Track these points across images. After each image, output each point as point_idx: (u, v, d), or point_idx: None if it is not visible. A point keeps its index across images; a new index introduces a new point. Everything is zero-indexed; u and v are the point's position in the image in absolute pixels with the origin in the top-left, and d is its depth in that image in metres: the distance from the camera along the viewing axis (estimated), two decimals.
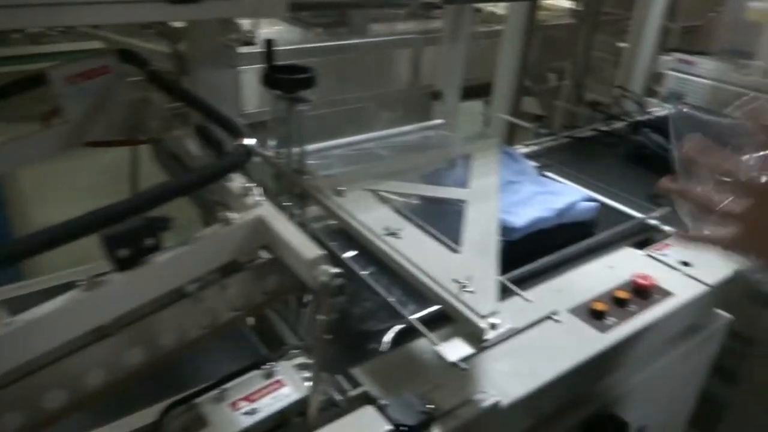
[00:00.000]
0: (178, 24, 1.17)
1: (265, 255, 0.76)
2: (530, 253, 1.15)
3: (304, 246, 0.65)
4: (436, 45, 2.02)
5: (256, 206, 0.72)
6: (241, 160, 0.66)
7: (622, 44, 2.42)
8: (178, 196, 0.61)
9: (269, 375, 0.79)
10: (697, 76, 2.17)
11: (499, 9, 2.89)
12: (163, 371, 0.73)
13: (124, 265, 0.60)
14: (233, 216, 0.70)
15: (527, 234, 1.16)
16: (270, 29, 2.93)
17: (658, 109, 2.15)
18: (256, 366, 0.80)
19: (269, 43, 1.09)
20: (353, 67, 2.95)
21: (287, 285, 0.78)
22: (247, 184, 0.74)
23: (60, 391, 0.63)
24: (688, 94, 2.18)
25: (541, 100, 3.57)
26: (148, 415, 0.76)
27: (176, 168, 0.92)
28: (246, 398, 0.75)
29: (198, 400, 0.76)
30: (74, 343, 0.63)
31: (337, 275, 0.61)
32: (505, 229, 1.12)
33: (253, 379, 0.78)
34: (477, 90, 2.39)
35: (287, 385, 0.77)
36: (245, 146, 0.66)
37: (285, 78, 1.09)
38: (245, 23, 1.08)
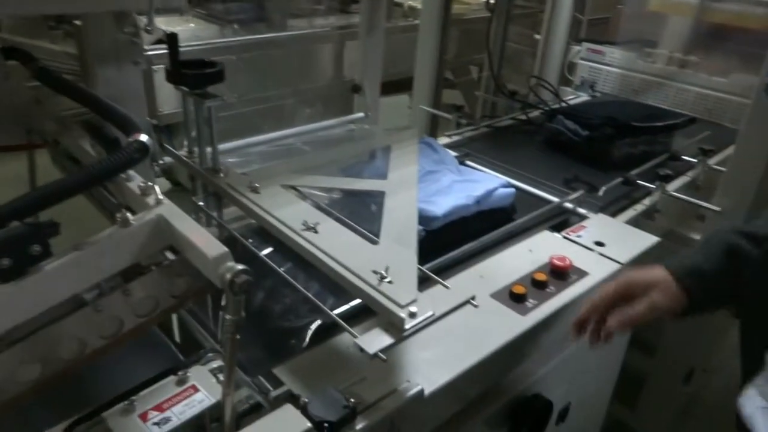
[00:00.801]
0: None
1: (171, 256, 0.72)
2: (452, 242, 1.16)
3: (207, 244, 0.62)
4: (356, 40, 2.01)
5: (157, 206, 0.68)
6: (135, 158, 0.62)
7: (537, 36, 2.49)
8: (60, 200, 0.57)
9: (183, 381, 0.75)
10: (607, 65, 2.26)
11: (419, 4, 2.91)
12: (70, 385, 0.68)
13: (5, 276, 0.56)
14: (132, 217, 0.66)
15: (448, 223, 1.17)
16: (185, 27, 2.83)
17: (572, 97, 2.23)
18: (169, 373, 0.77)
19: (171, 37, 1.05)
20: (275, 63, 2.90)
21: (197, 286, 0.74)
22: (147, 184, 0.70)
23: None
24: (599, 82, 2.27)
25: (464, 92, 3.65)
26: None
27: (75, 171, 0.87)
28: (157, 407, 0.71)
29: (105, 414, 0.71)
30: None
31: (242, 272, 0.59)
32: (425, 219, 1.13)
33: (165, 387, 0.75)
34: (405, 84, 2.41)
35: (201, 391, 0.74)
36: (140, 142, 0.62)
37: (190, 73, 1.05)
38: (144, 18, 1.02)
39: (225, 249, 0.61)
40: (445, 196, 1.21)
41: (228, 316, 0.61)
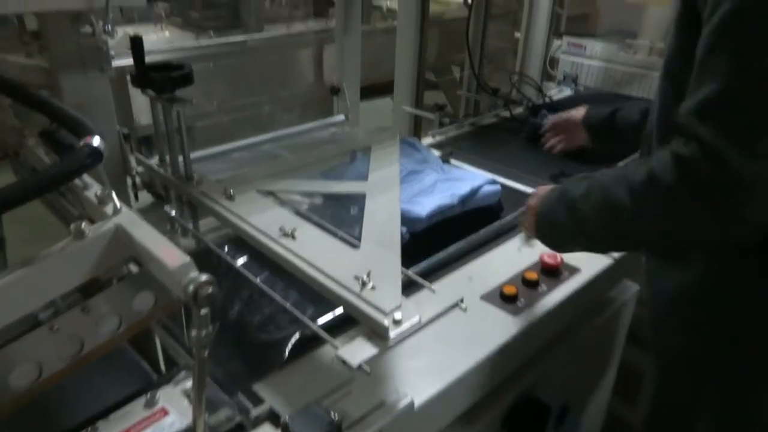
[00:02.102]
0: None
1: (134, 268, 0.67)
2: (437, 243, 1.11)
3: (168, 254, 0.57)
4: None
5: (115, 215, 0.63)
6: (86, 163, 0.56)
7: (518, 34, 2.46)
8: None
9: (152, 403, 0.70)
10: (588, 58, 2.24)
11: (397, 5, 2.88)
12: (30, 409, 0.63)
13: None
14: (88, 228, 0.61)
15: (433, 224, 1.13)
16: (160, 35, 2.78)
17: (556, 92, 2.20)
18: (137, 394, 0.71)
19: (136, 40, 1.00)
20: (253, 69, 2.86)
21: (166, 300, 0.69)
22: (104, 192, 0.65)
23: None
24: (581, 76, 2.24)
25: (447, 93, 3.62)
26: None
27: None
28: None
29: None
30: None
31: (206, 283, 0.54)
32: (409, 220, 1.08)
33: (133, 410, 0.69)
34: (388, 87, 2.36)
35: (171, 413, 0.68)
36: (91, 147, 0.57)
37: (156, 76, 1.00)
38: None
39: (188, 259, 0.56)
40: (429, 196, 1.17)
41: (194, 332, 0.56)
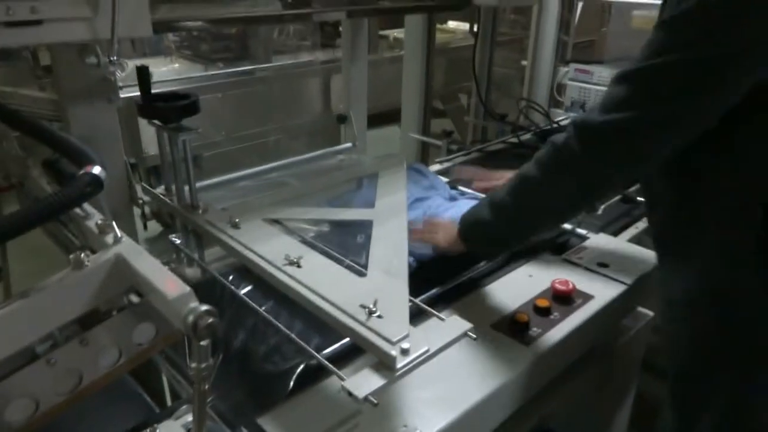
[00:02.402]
0: None
1: (135, 299, 0.65)
2: (447, 270, 1.09)
3: (168, 284, 0.56)
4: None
5: (116, 244, 0.62)
6: (86, 191, 0.55)
7: (524, 61, 2.48)
8: None
9: None
10: (596, 84, 2.23)
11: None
12: None
13: None
14: (87, 258, 0.60)
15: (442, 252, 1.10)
16: (169, 67, 2.82)
17: (563, 118, 2.19)
18: (137, 429, 0.69)
19: (142, 70, 1.00)
20: (262, 100, 2.88)
21: (167, 332, 0.67)
22: (105, 221, 0.64)
23: None
24: (589, 101, 2.24)
25: (454, 120, 3.63)
26: None
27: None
28: None
29: None
30: None
31: (206, 313, 0.52)
32: (418, 250, 1.06)
33: None
34: (396, 115, 2.38)
35: None
36: (90, 175, 0.56)
37: (161, 106, 1.00)
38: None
39: (187, 289, 0.55)
40: None
41: (194, 364, 0.54)
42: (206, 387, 0.55)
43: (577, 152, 0.88)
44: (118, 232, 0.63)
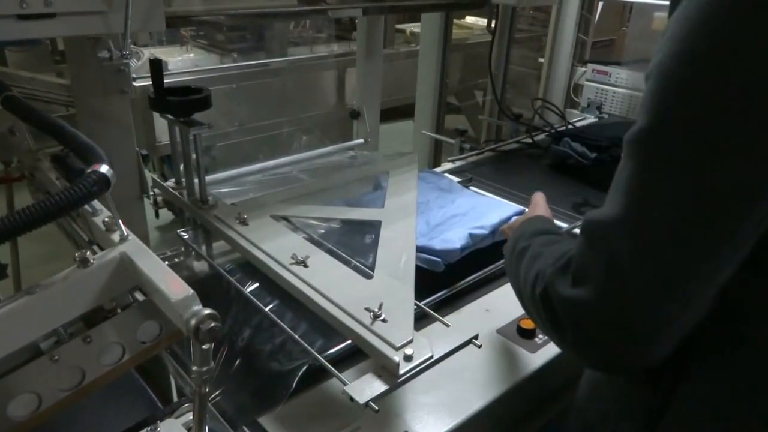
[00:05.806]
0: None
1: (140, 297, 0.65)
2: (454, 274, 1.08)
3: (171, 285, 0.55)
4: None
5: (122, 242, 0.62)
6: (93, 190, 0.55)
7: (541, 59, 2.45)
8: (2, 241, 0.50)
9: None
10: (613, 85, 2.20)
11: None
12: None
13: None
14: (93, 256, 0.60)
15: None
16: (184, 57, 2.82)
17: (579, 119, 2.17)
18: (139, 426, 0.69)
19: (155, 63, 1.00)
20: (275, 91, 2.88)
21: (171, 330, 0.67)
22: (112, 219, 0.64)
23: None
24: (605, 103, 2.21)
25: (469, 117, 3.60)
26: None
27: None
28: None
29: None
30: None
31: (208, 317, 0.52)
32: (443, 252, 1.05)
33: None
34: (411, 109, 2.36)
35: None
36: (98, 174, 0.56)
37: (174, 100, 1.00)
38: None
39: (191, 291, 0.54)
40: (458, 227, 1.13)
41: (195, 368, 0.54)
42: (206, 389, 0.55)
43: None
44: (125, 231, 0.63)
